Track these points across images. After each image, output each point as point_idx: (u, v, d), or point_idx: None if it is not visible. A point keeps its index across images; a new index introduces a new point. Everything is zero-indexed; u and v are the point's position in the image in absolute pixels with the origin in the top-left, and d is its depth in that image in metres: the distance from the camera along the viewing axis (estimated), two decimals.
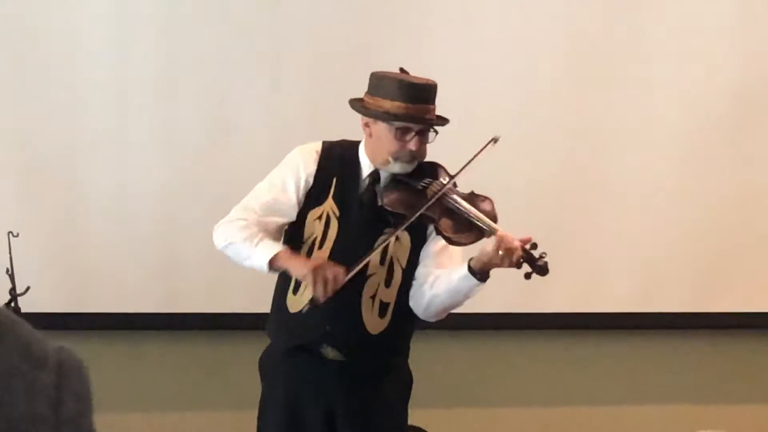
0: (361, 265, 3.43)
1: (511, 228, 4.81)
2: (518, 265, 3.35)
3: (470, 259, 3.41)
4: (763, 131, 5.04)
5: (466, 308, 4.87)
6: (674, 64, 4.95)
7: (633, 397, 5.16)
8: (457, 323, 4.89)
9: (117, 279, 4.71)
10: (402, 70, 3.61)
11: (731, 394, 5.21)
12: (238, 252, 3.53)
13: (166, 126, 4.73)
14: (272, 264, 3.46)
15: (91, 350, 4.67)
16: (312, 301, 3.43)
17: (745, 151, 5.04)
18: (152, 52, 4.69)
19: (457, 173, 3.53)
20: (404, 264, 3.55)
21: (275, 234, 3.61)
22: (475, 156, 3.55)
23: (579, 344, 5.10)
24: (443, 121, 3.56)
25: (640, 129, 4.96)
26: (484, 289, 4.85)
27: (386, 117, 3.48)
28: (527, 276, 3.36)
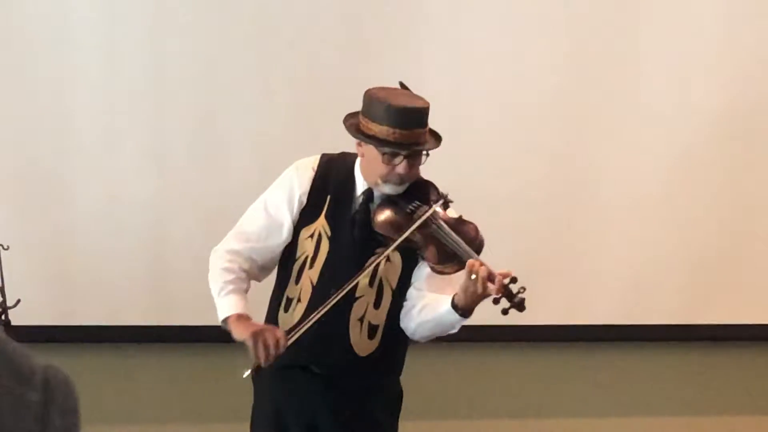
0: (309, 323, 3.40)
1: (498, 240, 4.85)
2: (495, 299, 3.24)
3: (455, 294, 3.34)
4: (752, 142, 5.06)
5: None
6: (664, 75, 4.97)
7: (621, 410, 5.16)
8: (446, 335, 4.92)
9: (107, 292, 4.72)
10: (402, 84, 3.58)
11: (720, 406, 5.22)
12: (212, 291, 3.59)
13: (155, 138, 4.74)
14: (224, 323, 3.52)
15: (81, 363, 4.74)
16: (254, 366, 3.43)
17: (734, 163, 5.05)
18: (142, 64, 4.70)
19: (434, 206, 3.44)
20: (394, 285, 3.51)
21: (276, 255, 3.61)
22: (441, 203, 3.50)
23: (567, 356, 5.11)
24: (433, 145, 3.50)
25: (628, 141, 4.97)
26: None
27: (374, 142, 3.43)
28: (504, 312, 3.24)
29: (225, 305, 3.51)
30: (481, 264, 3.26)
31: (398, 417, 3.75)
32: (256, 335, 3.37)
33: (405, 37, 4.82)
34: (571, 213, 4.97)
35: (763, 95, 5.04)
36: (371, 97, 3.47)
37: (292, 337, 3.41)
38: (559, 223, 4.97)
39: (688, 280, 5.07)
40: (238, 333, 3.44)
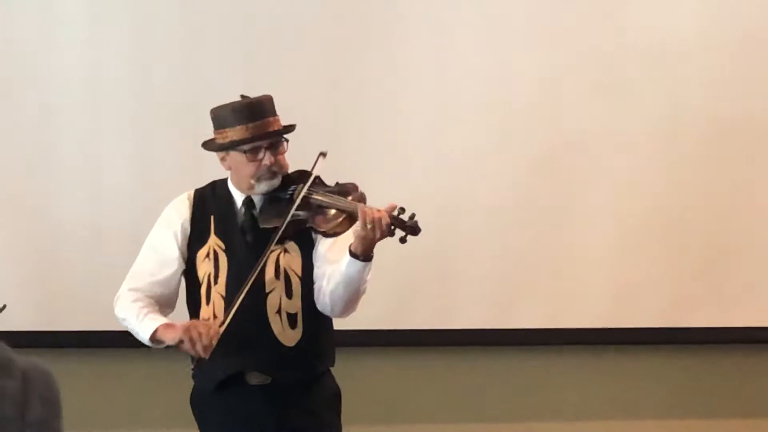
0: (234, 308, 3.49)
1: (484, 244, 4.87)
2: (390, 233, 3.39)
3: (350, 244, 3.47)
4: (735, 146, 5.07)
5: (438, 324, 4.93)
6: (649, 77, 4.98)
7: (605, 413, 5.15)
8: (433, 339, 4.93)
9: (92, 297, 4.70)
10: (243, 97, 3.69)
11: (706, 409, 5.22)
12: (131, 328, 3.65)
13: (139, 146, 4.76)
14: (153, 339, 3.57)
15: (68, 368, 4.70)
16: (196, 360, 3.53)
17: (716, 166, 5.06)
18: (125, 70, 4.73)
19: (309, 180, 3.56)
20: (300, 272, 3.60)
21: (174, 287, 3.70)
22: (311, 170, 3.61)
23: (553, 360, 5.10)
24: (289, 128, 3.65)
25: (612, 145, 4.98)
26: (457, 305, 4.91)
27: (234, 145, 3.59)
28: (402, 240, 3.40)
29: (147, 324, 3.58)
30: (370, 208, 3.41)
31: (340, 413, 3.76)
32: (187, 330, 3.46)
33: (389, 39, 4.85)
34: (556, 217, 4.98)
35: (748, 96, 5.05)
36: (216, 111, 3.66)
37: (222, 325, 3.49)
38: (544, 227, 4.97)
39: (673, 283, 5.07)
40: (171, 336, 3.53)
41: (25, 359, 1.49)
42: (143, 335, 3.59)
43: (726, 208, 5.08)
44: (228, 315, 3.49)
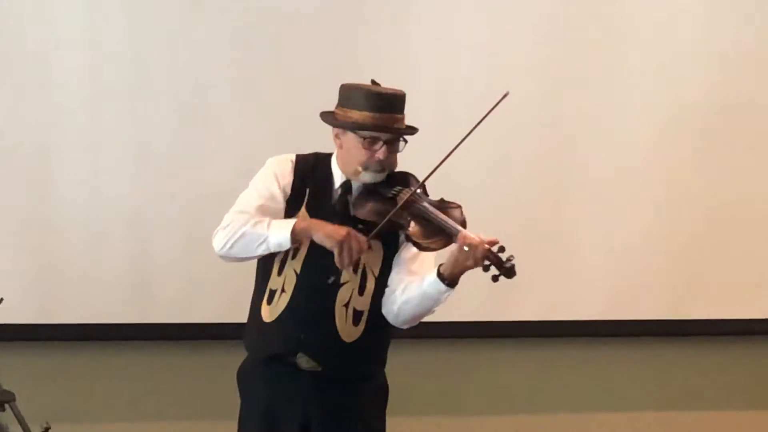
0: (375, 231, 3.45)
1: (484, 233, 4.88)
2: (484, 267, 3.36)
3: (440, 265, 3.45)
4: (735, 137, 5.08)
5: (440, 317, 4.89)
6: (650, 68, 5.00)
7: (605, 405, 5.18)
8: (432, 332, 4.90)
9: (91, 290, 4.71)
10: (373, 81, 3.66)
11: (704, 400, 5.24)
12: (252, 239, 3.54)
13: (139, 137, 4.75)
14: (294, 234, 3.50)
15: (66, 361, 4.72)
16: (335, 270, 3.48)
17: (717, 158, 5.07)
18: (125, 64, 4.72)
19: (426, 178, 3.54)
20: (377, 273, 3.58)
21: None
22: (441, 162, 3.53)
23: (552, 352, 5.12)
24: (411, 130, 3.62)
25: (612, 137, 4.99)
26: (458, 297, 4.88)
27: (354, 127, 3.55)
28: (494, 278, 3.36)
29: (279, 225, 3.53)
30: (470, 234, 3.39)
31: (385, 410, 3.76)
32: (342, 243, 3.43)
33: (391, 38, 4.85)
34: (555, 210, 4.99)
35: (748, 88, 5.06)
36: (349, 88, 3.60)
37: (370, 239, 3.47)
38: (543, 221, 4.98)
39: (672, 276, 5.09)
40: (324, 236, 3.46)
41: None
42: (277, 237, 3.50)
43: (726, 200, 5.10)
44: (379, 228, 3.44)
